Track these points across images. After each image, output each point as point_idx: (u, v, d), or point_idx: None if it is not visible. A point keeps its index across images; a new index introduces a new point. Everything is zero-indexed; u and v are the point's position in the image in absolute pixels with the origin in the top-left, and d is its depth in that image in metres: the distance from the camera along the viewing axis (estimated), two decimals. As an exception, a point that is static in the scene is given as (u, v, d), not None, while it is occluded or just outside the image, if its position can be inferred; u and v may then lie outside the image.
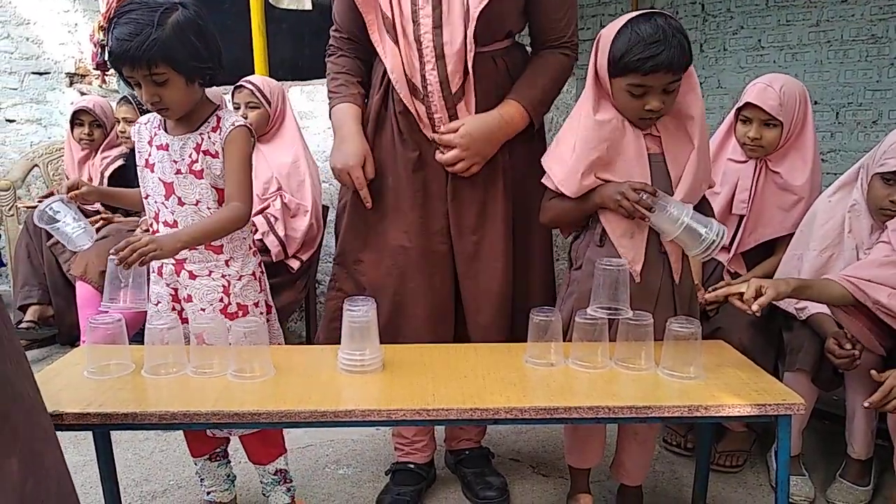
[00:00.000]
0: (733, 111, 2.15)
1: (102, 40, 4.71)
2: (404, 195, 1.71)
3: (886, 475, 1.96)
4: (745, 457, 2.09)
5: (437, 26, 1.59)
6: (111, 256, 1.43)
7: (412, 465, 1.93)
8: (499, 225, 1.71)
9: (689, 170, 1.54)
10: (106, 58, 4.74)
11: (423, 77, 1.63)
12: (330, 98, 1.78)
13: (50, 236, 3.04)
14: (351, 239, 1.78)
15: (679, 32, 1.45)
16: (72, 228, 1.61)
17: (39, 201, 3.06)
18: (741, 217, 2.10)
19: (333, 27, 1.80)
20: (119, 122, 3.11)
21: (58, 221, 1.58)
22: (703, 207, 1.63)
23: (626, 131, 1.54)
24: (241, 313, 1.60)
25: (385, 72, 1.68)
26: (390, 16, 1.62)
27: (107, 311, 1.47)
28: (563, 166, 1.57)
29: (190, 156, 1.55)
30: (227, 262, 1.60)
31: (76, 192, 1.64)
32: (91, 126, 3.23)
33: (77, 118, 3.24)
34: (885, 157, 1.74)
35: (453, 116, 1.66)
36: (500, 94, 1.69)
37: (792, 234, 2.00)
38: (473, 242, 1.71)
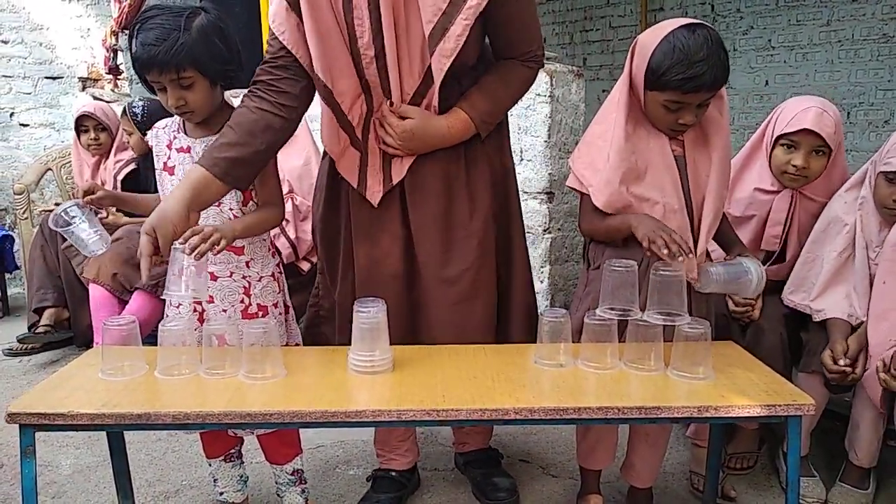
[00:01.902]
0: (768, 137, 1.95)
1: (115, 45, 4.77)
2: (362, 217, 1.68)
3: (884, 476, 1.97)
4: (755, 458, 2.08)
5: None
6: (178, 245, 1.40)
7: (393, 473, 1.91)
8: (473, 246, 1.64)
9: (713, 178, 1.56)
10: (118, 63, 4.80)
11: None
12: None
13: (64, 239, 3.07)
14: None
15: (721, 47, 1.43)
16: (86, 234, 1.62)
17: (56, 206, 3.10)
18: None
19: (264, 59, 1.61)
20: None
21: (73, 226, 1.60)
22: (723, 226, 1.65)
23: (653, 140, 1.54)
24: (261, 314, 1.62)
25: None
26: (322, 78, 1.56)
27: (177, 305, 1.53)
28: (598, 176, 1.57)
29: None
30: (247, 263, 1.61)
31: (92, 196, 1.66)
32: (96, 130, 3.24)
33: (81, 124, 3.26)
34: (888, 157, 1.74)
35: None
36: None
37: None
38: (438, 264, 1.64)
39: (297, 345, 1.75)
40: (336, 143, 1.66)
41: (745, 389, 1.35)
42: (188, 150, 1.59)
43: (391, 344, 1.52)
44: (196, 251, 1.38)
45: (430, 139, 1.60)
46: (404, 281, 1.67)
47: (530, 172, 2.67)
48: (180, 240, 1.41)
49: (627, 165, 1.53)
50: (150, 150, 3.16)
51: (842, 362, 1.71)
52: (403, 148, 1.60)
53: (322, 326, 1.80)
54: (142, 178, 3.10)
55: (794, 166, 1.88)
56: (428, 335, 1.68)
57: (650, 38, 1.49)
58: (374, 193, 1.64)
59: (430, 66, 1.53)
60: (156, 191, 1.72)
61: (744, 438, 2.07)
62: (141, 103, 3.06)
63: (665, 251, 1.41)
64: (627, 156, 1.53)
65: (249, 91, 1.58)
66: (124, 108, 3.10)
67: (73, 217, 1.60)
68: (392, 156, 1.63)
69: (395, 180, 1.63)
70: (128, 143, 3.11)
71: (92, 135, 3.25)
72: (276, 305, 1.65)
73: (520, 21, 1.59)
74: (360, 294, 1.65)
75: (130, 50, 1.50)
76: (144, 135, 3.08)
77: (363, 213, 1.67)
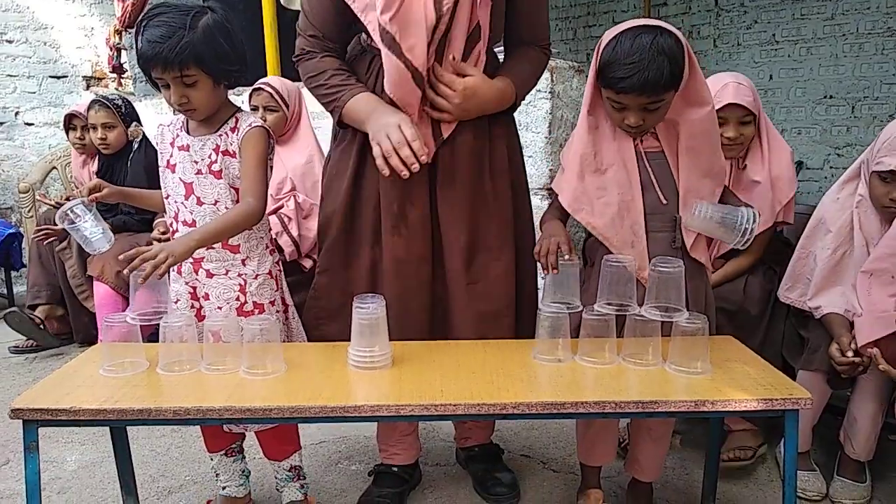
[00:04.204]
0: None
1: (118, 43, 4.79)
2: (387, 200, 1.66)
3: (884, 470, 1.98)
4: (752, 452, 2.05)
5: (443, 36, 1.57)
6: (127, 271, 1.44)
7: (395, 468, 1.91)
8: (494, 226, 1.68)
9: (681, 177, 1.55)
10: (122, 61, 4.82)
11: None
12: (336, 93, 1.64)
13: (60, 241, 3.09)
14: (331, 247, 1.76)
15: (663, 54, 1.40)
16: (90, 232, 1.63)
17: (57, 204, 3.10)
18: None
19: (308, 32, 1.68)
20: (97, 128, 3.03)
21: (77, 223, 1.61)
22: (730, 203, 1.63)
23: (616, 136, 1.55)
24: (256, 311, 1.63)
25: (369, 74, 1.67)
26: (390, 31, 1.54)
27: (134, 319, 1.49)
28: (562, 175, 1.62)
29: (210, 156, 1.58)
30: (243, 261, 1.62)
31: (97, 194, 1.66)
32: (83, 130, 3.24)
33: (70, 123, 3.27)
34: (879, 156, 1.74)
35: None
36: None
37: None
38: (464, 245, 1.66)
39: (300, 342, 1.76)
40: (412, 95, 1.58)
41: (743, 384, 1.35)
42: (187, 148, 1.60)
43: (413, 337, 1.58)
44: (142, 276, 1.41)
45: (487, 98, 1.63)
46: (430, 265, 1.68)
47: (531, 168, 2.66)
48: (128, 269, 1.44)
49: (583, 157, 1.56)
50: (129, 143, 3.15)
51: (849, 354, 1.71)
52: (459, 108, 1.59)
53: (324, 327, 1.77)
54: (115, 176, 3.01)
55: (728, 137, 1.98)
56: (450, 326, 1.70)
57: (606, 36, 1.50)
58: (423, 156, 1.55)
59: (477, 23, 1.58)
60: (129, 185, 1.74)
61: (737, 438, 2.06)
62: (115, 95, 3.06)
63: (542, 260, 1.52)
64: (584, 149, 1.56)
65: (315, 52, 1.67)
66: (98, 101, 3.05)
67: (78, 215, 1.61)
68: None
69: (445, 135, 1.63)
70: (105, 138, 3.03)
71: (78, 134, 3.26)
72: (272, 303, 1.66)
73: (537, 8, 1.73)
74: (388, 276, 1.66)
75: (136, 46, 1.51)
76: (128, 126, 3.08)
77: (395, 191, 1.63)
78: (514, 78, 1.69)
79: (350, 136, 1.71)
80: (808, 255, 1.91)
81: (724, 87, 1.99)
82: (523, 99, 1.77)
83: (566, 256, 1.51)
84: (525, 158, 2.67)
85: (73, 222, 1.62)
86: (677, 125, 1.54)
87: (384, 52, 1.54)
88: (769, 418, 1.36)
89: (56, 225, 2.97)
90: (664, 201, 1.56)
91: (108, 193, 1.69)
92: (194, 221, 1.60)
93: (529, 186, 2.70)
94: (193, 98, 1.52)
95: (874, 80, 4.72)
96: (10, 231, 3.97)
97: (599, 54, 1.49)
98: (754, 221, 1.47)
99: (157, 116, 3.87)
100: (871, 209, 1.81)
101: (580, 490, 1.84)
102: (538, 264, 1.58)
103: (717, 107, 1.86)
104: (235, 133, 1.58)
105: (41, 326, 3.24)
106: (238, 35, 1.57)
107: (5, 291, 4.14)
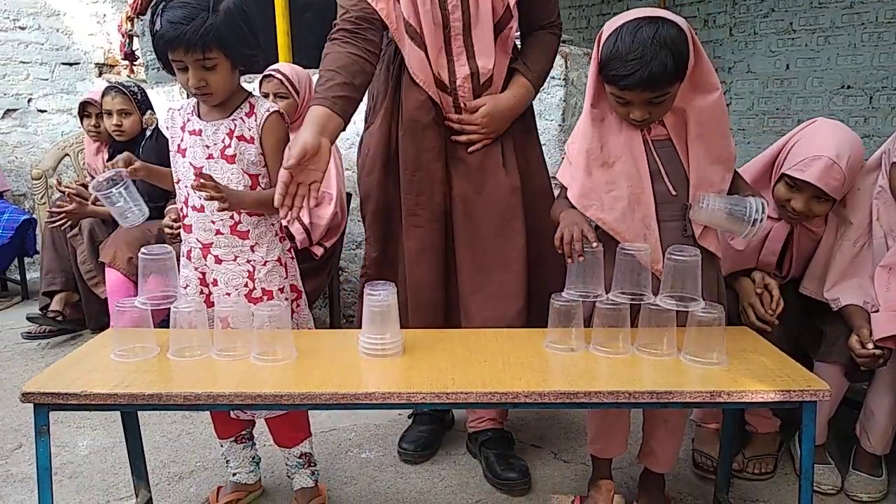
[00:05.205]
0: (776, 167, 1.84)
1: (130, 30, 4.79)
2: (407, 186, 1.84)
3: (894, 462, 1.95)
4: (773, 462, 2.00)
5: (467, 28, 1.71)
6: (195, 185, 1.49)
7: (430, 409, 2.13)
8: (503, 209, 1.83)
9: (691, 165, 1.52)
10: (134, 48, 4.81)
11: (452, 72, 1.77)
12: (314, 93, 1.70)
13: (72, 226, 3.10)
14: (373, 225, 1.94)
15: (665, 47, 1.36)
16: (126, 203, 1.60)
17: (67, 188, 3.08)
18: None
19: (342, 12, 1.74)
20: (112, 114, 3.02)
21: (113, 194, 1.57)
22: (740, 190, 1.61)
23: (622, 127, 1.53)
24: (265, 298, 1.62)
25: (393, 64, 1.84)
26: (413, 23, 1.71)
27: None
28: (569, 168, 1.60)
29: (223, 141, 1.57)
30: (252, 247, 1.61)
31: (132, 167, 1.63)
32: (97, 118, 3.22)
33: (85, 110, 3.27)
34: None
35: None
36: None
37: None
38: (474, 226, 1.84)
39: (308, 329, 1.75)
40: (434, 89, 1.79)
41: (759, 375, 1.33)
42: (199, 132, 1.59)
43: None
44: (204, 192, 1.46)
45: (508, 108, 1.81)
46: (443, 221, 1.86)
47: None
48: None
49: (589, 146, 1.53)
50: (143, 130, 3.15)
51: (870, 345, 1.69)
52: (489, 131, 1.81)
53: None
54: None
55: (792, 208, 1.79)
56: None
57: (606, 29, 1.46)
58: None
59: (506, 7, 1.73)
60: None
61: (761, 441, 2.01)
62: (130, 82, 3.06)
63: (566, 248, 1.46)
64: (590, 144, 1.53)
65: (334, 38, 1.71)
66: (114, 87, 3.05)
67: (116, 183, 1.57)
68: (482, 93, 1.80)
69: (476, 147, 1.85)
70: (120, 125, 3.03)
71: (93, 121, 3.25)
72: (281, 290, 1.65)
73: None
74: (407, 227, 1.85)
75: (153, 28, 1.49)
76: (143, 114, 3.08)
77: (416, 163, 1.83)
78: (531, 72, 1.85)
79: (375, 117, 1.89)
80: (829, 248, 1.88)
81: (816, 159, 1.70)
82: (542, 86, 1.92)
83: (594, 245, 1.46)
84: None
85: (110, 194, 1.57)
86: (685, 113, 1.51)
87: (408, 43, 1.73)
88: (785, 412, 1.34)
89: (71, 203, 2.99)
90: (673, 192, 1.53)
91: (139, 167, 1.66)
92: (203, 207, 1.59)
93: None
94: (212, 82, 1.51)
95: (893, 69, 4.64)
96: (25, 217, 3.98)
97: (600, 48, 1.45)
98: (763, 212, 1.44)
99: (168, 104, 3.86)
100: (891, 200, 1.79)
101: (591, 481, 1.83)
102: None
103: (797, 175, 1.73)
104: (253, 118, 1.57)
105: (59, 318, 3.26)
106: (255, 19, 1.56)
107: (18, 278, 4.16)
